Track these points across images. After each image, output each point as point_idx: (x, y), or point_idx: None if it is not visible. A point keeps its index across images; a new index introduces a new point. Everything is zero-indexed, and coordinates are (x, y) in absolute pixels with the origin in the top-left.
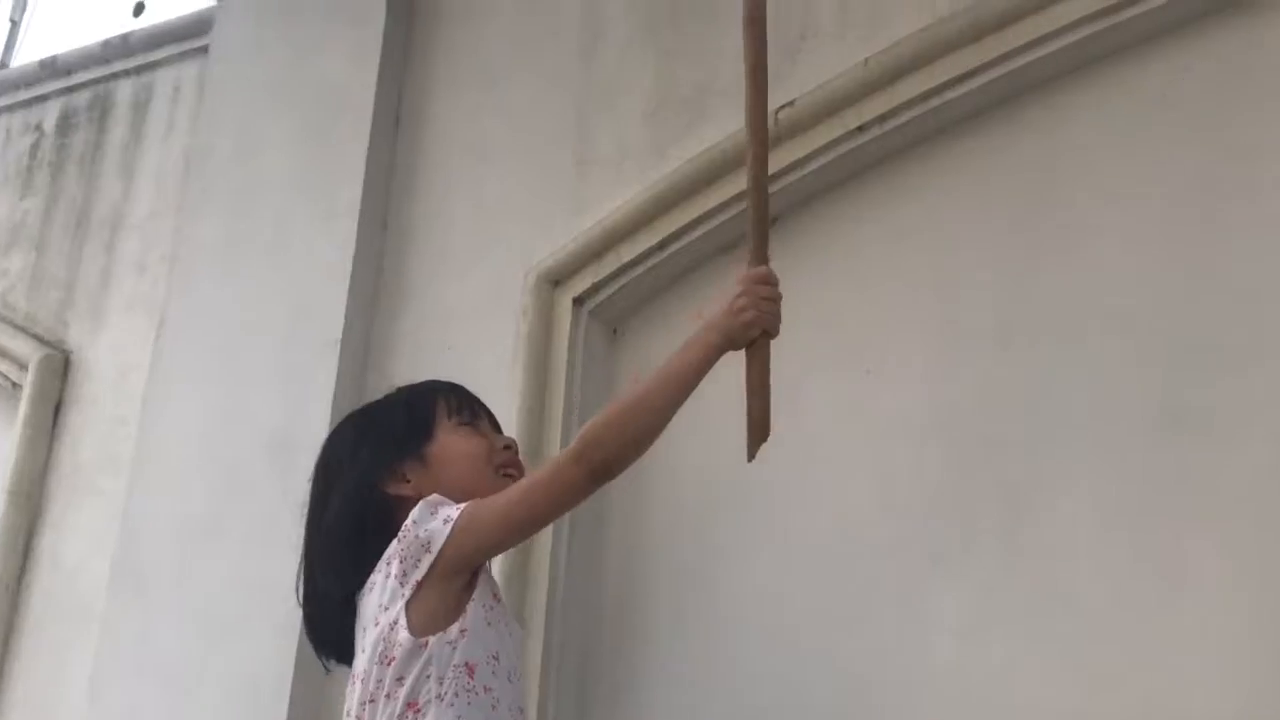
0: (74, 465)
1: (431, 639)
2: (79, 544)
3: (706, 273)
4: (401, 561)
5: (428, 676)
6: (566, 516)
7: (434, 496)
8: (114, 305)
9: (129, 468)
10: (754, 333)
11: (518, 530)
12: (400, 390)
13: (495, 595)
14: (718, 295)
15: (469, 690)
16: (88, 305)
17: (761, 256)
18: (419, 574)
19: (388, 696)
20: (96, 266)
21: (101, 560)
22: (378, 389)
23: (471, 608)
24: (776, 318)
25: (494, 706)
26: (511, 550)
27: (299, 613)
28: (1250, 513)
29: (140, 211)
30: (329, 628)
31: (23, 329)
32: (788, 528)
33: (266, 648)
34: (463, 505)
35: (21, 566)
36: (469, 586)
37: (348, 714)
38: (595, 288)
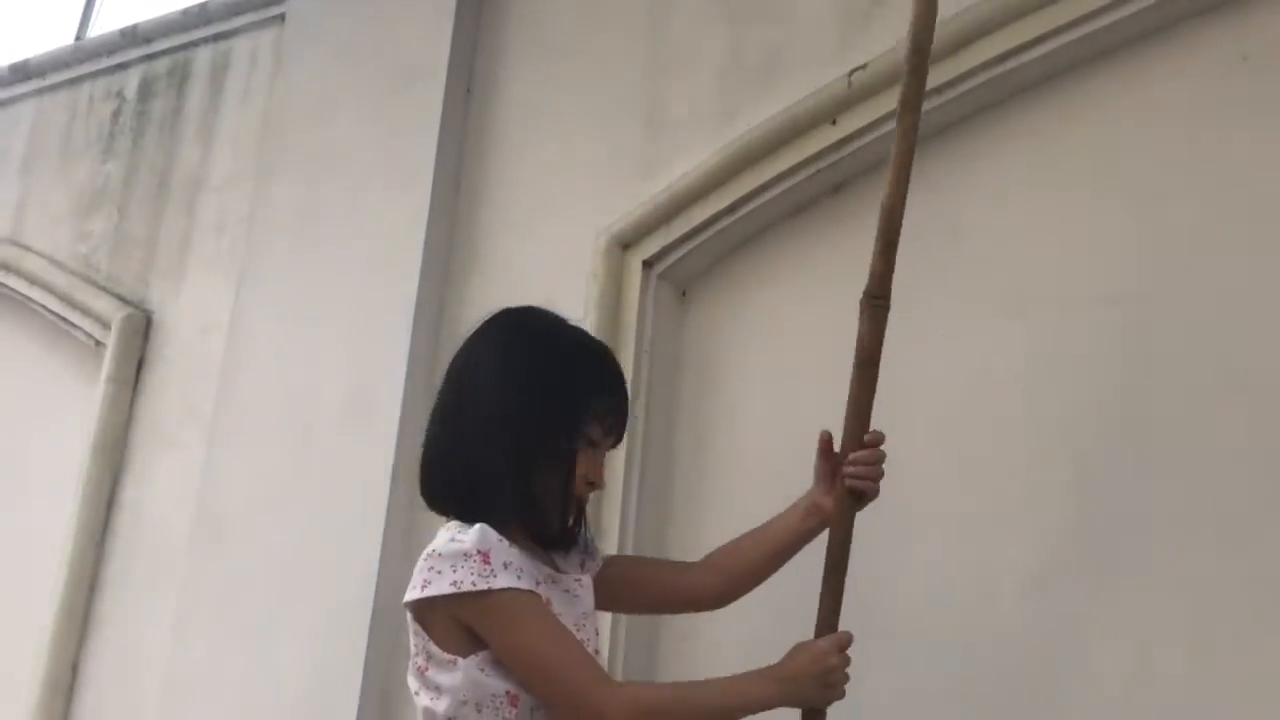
0: (155, 421)
1: (460, 660)
2: (160, 497)
3: (775, 236)
4: (419, 569)
5: (464, 702)
6: (637, 465)
7: (481, 539)
8: (194, 266)
9: (209, 424)
10: (829, 705)
11: (514, 674)
12: (583, 341)
13: (552, 580)
14: (802, 644)
15: None
16: (168, 266)
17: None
18: (410, 596)
19: (430, 700)
20: (177, 228)
21: (182, 512)
22: (450, 351)
23: None
24: None
25: (549, 713)
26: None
27: (374, 563)
28: None
29: (219, 175)
30: (428, 499)
31: (105, 289)
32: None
33: (343, 597)
34: (501, 587)
35: (106, 518)
36: None
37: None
38: (665, 251)
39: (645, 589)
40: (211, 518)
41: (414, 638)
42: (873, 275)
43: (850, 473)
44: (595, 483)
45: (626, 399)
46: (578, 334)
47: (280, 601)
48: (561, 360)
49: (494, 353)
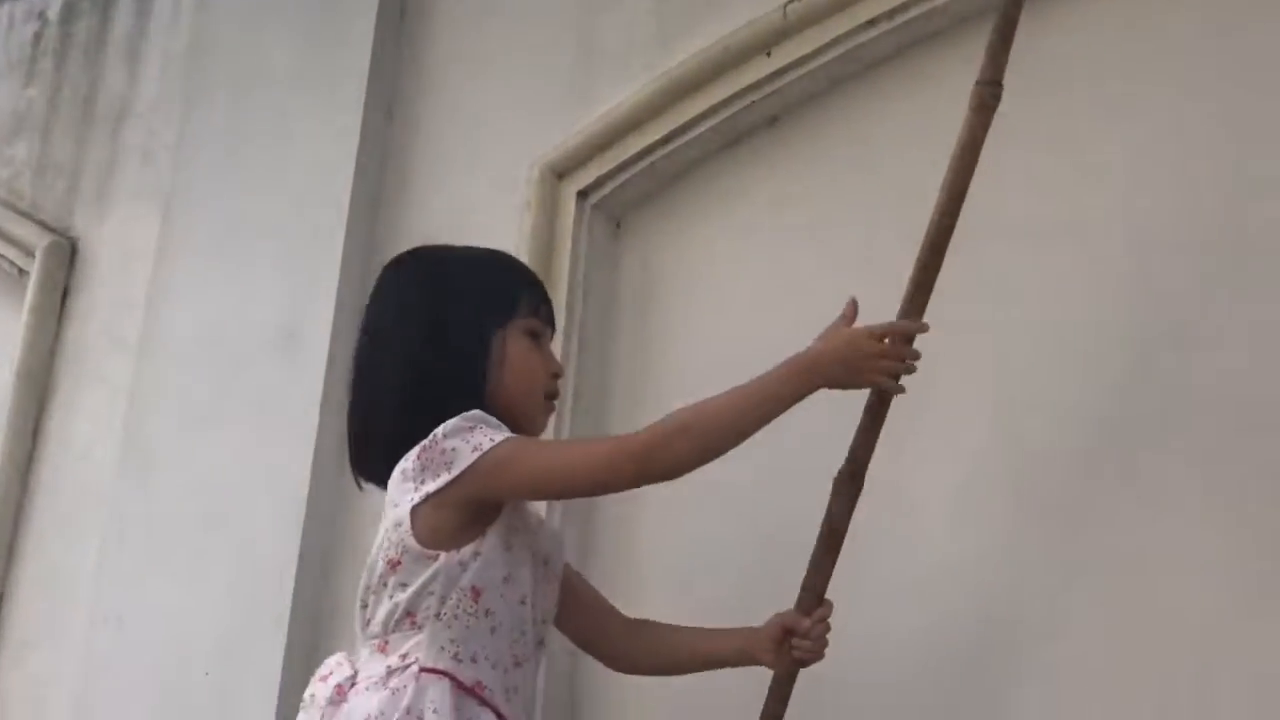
0: (80, 350)
1: (442, 555)
2: (86, 426)
3: (711, 168)
4: (420, 466)
5: (431, 593)
6: (570, 397)
7: (475, 413)
8: (119, 193)
9: (135, 353)
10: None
11: (551, 492)
12: (477, 254)
13: (523, 510)
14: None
15: (470, 614)
16: (93, 193)
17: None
18: (431, 488)
19: (390, 597)
20: (102, 154)
21: (108, 442)
22: None
23: (492, 532)
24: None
25: (493, 630)
26: None
27: (302, 496)
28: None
29: (145, 100)
30: (367, 469)
31: (28, 215)
32: None
33: (271, 529)
34: (504, 437)
35: (31, 448)
36: (494, 510)
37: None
38: (599, 181)
39: (568, 600)
40: (138, 446)
41: (391, 535)
42: (853, 451)
43: (800, 646)
44: (557, 372)
45: (544, 288)
46: (474, 251)
47: (208, 530)
48: (472, 276)
49: (401, 297)
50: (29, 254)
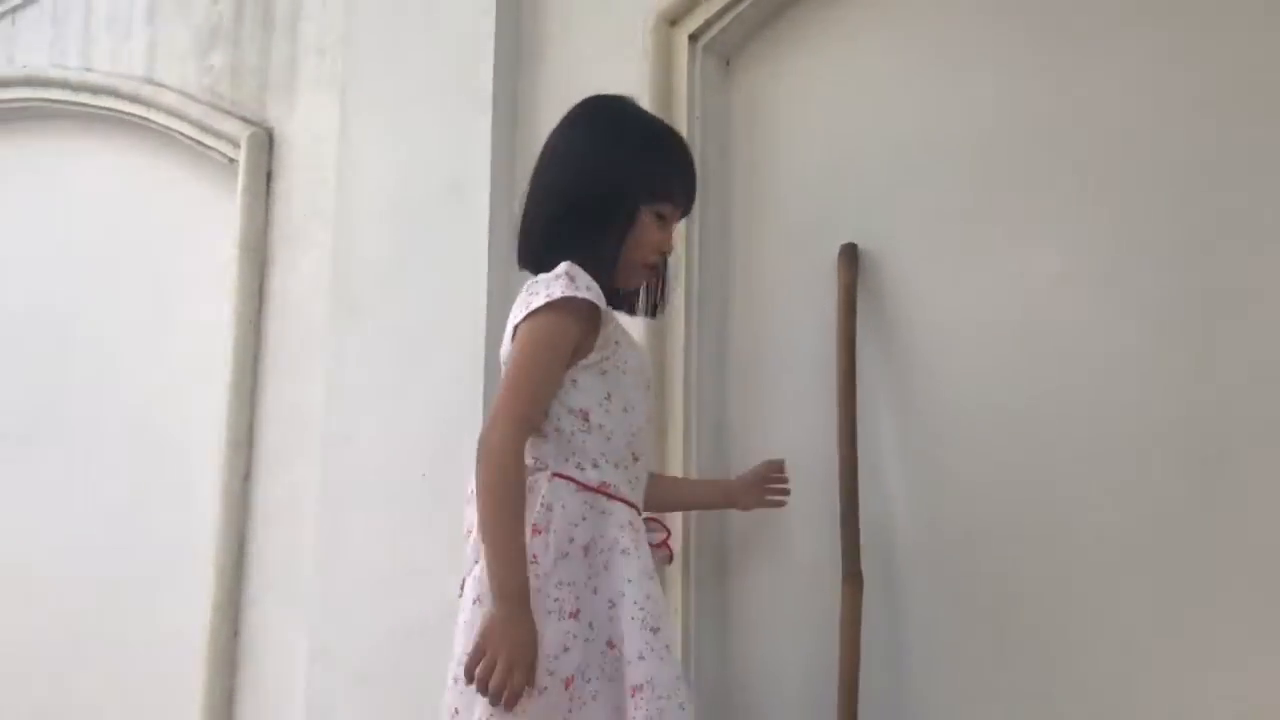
0: (288, 221)
1: None
2: (301, 286)
3: (810, 2)
4: (524, 301)
5: (544, 411)
6: (697, 230)
7: (569, 265)
8: (302, 85)
9: (333, 221)
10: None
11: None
12: (654, 129)
13: (617, 342)
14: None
15: (583, 431)
16: (281, 87)
17: None
18: (519, 315)
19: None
20: (284, 54)
21: (321, 297)
22: (527, 136)
23: (583, 362)
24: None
25: (608, 439)
26: None
27: (481, 323)
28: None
29: (314, 2)
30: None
31: (230, 113)
32: None
33: (459, 353)
34: (547, 303)
35: (258, 307)
36: (583, 346)
37: None
38: (707, 24)
39: None
40: (345, 299)
41: (507, 350)
42: None
43: (775, 489)
44: (666, 251)
45: (695, 178)
46: (653, 125)
47: (410, 360)
48: (645, 150)
49: (587, 134)
50: (235, 145)
